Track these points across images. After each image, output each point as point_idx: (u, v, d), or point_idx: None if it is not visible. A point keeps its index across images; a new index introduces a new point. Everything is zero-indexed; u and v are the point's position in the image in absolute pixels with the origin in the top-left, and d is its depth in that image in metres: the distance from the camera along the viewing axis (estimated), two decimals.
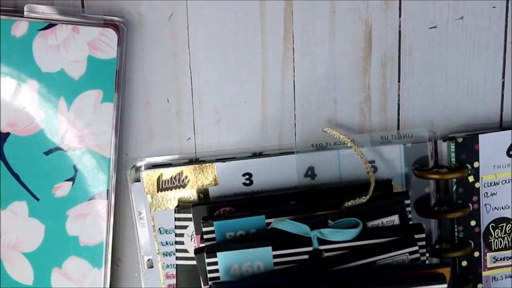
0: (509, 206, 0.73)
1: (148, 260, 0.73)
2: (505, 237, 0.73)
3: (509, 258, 0.74)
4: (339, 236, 0.64)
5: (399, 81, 0.72)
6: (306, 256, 0.65)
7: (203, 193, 0.72)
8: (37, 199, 0.70)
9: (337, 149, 0.72)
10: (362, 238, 0.65)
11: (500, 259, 0.74)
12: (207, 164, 0.71)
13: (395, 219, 0.67)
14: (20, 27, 0.67)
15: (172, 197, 0.71)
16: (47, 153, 0.69)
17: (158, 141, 0.72)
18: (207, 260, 0.65)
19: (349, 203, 0.68)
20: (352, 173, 0.72)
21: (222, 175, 0.71)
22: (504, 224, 0.73)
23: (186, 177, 0.71)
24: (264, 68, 0.71)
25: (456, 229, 0.73)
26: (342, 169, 0.72)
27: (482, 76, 0.73)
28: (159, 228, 0.72)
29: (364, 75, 0.72)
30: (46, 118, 0.69)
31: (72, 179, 0.70)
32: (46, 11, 0.67)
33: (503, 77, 0.73)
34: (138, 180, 0.71)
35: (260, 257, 0.65)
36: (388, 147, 0.72)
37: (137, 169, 0.71)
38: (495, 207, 0.73)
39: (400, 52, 0.72)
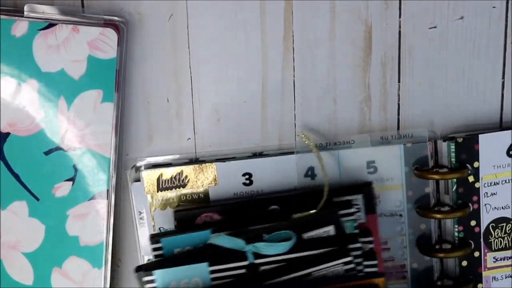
0: (509, 206, 0.73)
1: (148, 260, 0.72)
2: (505, 237, 0.73)
3: (509, 258, 0.73)
4: (272, 249, 0.65)
5: (399, 81, 0.72)
6: (244, 271, 0.65)
7: (203, 193, 0.71)
8: (37, 199, 0.69)
9: (337, 149, 0.71)
10: (298, 250, 0.65)
11: (500, 259, 0.73)
12: (207, 164, 0.71)
13: (330, 229, 0.67)
14: (20, 27, 0.67)
15: (172, 197, 0.71)
16: (47, 153, 0.69)
17: (158, 141, 0.71)
18: (145, 279, 0.65)
19: (298, 215, 0.68)
20: (351, 173, 0.71)
21: (222, 175, 0.71)
22: (504, 224, 0.73)
23: (186, 176, 0.71)
24: (264, 68, 0.71)
25: (456, 229, 0.73)
26: (342, 169, 0.71)
27: (482, 76, 0.72)
28: (159, 228, 0.71)
29: (364, 75, 0.72)
30: (46, 118, 0.68)
31: (72, 179, 0.69)
32: (46, 11, 0.67)
33: (503, 77, 0.73)
34: (138, 180, 0.71)
35: (197, 274, 0.65)
36: (388, 147, 0.72)
37: (137, 169, 0.71)
38: (495, 207, 0.72)
39: (400, 52, 0.71)
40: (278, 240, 0.65)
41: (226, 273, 0.65)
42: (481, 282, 0.73)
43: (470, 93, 0.73)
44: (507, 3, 0.71)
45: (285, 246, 0.65)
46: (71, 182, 0.69)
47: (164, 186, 0.71)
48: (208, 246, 0.66)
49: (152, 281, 0.65)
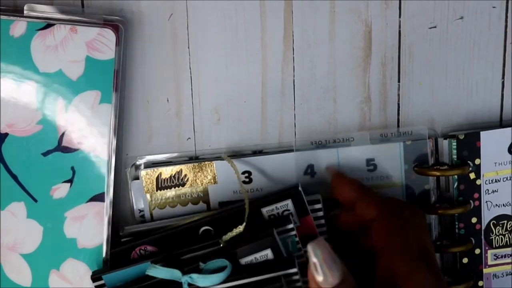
0: (510, 203, 0.71)
1: None
2: (506, 234, 0.72)
3: (510, 255, 0.72)
4: (207, 281, 0.63)
5: (399, 81, 0.71)
6: None
7: (202, 192, 0.71)
8: (35, 201, 0.68)
9: (336, 147, 0.70)
10: (236, 278, 0.63)
11: (501, 256, 0.72)
12: (206, 163, 0.69)
13: (268, 253, 0.64)
14: (18, 27, 0.65)
15: (171, 196, 0.71)
16: (45, 154, 0.67)
17: (158, 141, 0.70)
18: None
19: (226, 237, 0.65)
20: (351, 171, 0.71)
21: (222, 173, 0.69)
22: (505, 221, 0.72)
23: (185, 175, 0.70)
24: (264, 68, 0.70)
25: (457, 226, 0.71)
26: (341, 167, 0.70)
27: (482, 76, 0.71)
28: None
29: (364, 75, 0.71)
30: (44, 118, 0.67)
31: (70, 181, 0.68)
32: (46, 11, 0.66)
33: (503, 77, 0.71)
34: (137, 178, 0.69)
35: None
36: (387, 144, 0.70)
37: (137, 167, 0.70)
38: (496, 204, 0.71)
39: (400, 52, 0.70)
40: (214, 268, 0.64)
41: None
42: (482, 279, 0.72)
43: (470, 94, 0.71)
44: (507, 3, 0.70)
45: (219, 277, 0.63)
46: (69, 184, 0.68)
47: (163, 185, 0.70)
48: (145, 278, 0.65)
49: None
